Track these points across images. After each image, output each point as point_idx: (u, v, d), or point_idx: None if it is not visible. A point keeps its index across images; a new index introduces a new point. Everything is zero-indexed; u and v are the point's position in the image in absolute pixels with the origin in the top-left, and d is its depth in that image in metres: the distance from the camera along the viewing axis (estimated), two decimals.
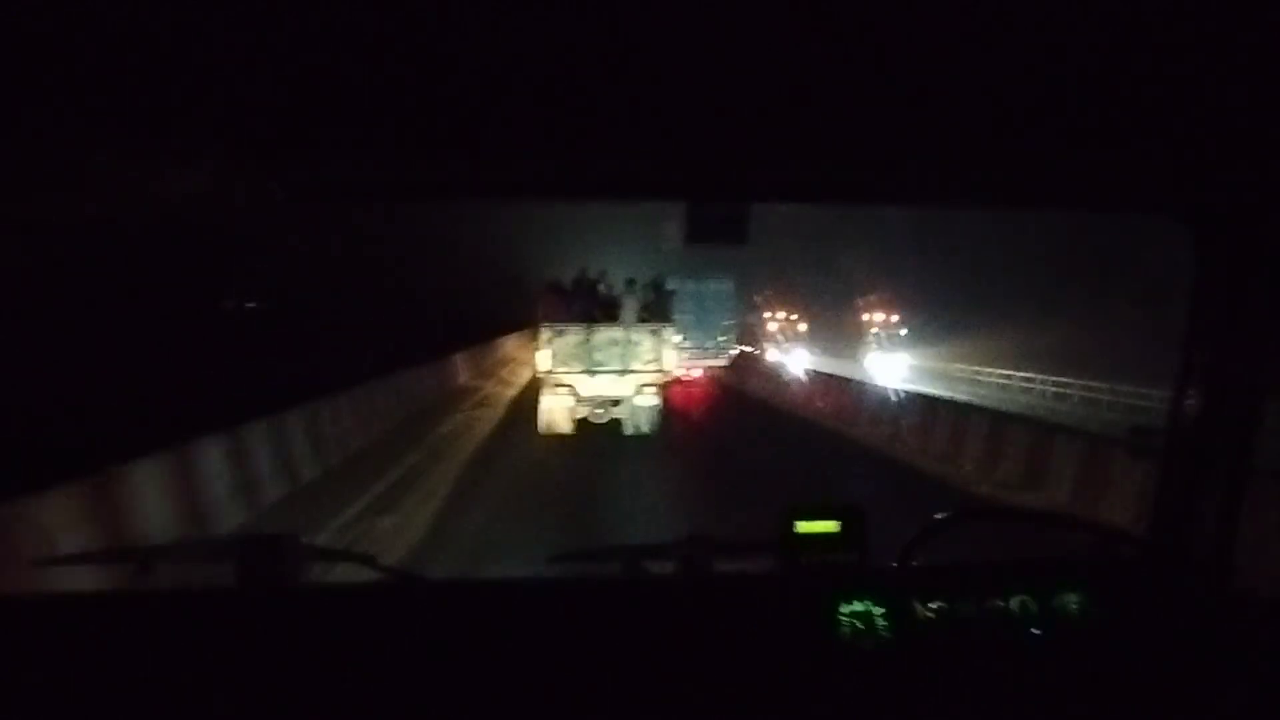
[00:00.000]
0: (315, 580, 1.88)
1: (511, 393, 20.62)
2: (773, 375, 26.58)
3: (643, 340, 14.72)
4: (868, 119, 1.38)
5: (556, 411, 14.13)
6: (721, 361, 28.00)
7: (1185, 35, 1.02)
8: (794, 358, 33.57)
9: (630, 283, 15.32)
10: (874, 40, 1.07)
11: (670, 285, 19.23)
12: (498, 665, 1.54)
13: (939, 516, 1.77)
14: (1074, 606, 1.68)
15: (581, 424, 14.14)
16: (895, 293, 41.45)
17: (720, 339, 28.77)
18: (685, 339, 26.27)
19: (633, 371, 14.46)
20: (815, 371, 26.13)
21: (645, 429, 14.14)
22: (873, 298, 41.90)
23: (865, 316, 41.71)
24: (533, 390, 15.31)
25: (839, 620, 1.63)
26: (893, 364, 34.87)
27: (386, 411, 14.06)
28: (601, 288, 15.47)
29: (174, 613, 1.62)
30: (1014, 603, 1.67)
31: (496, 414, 17.44)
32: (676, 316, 17.66)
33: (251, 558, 1.72)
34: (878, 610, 1.64)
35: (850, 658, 1.61)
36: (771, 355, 33.83)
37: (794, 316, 43.66)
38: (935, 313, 39.24)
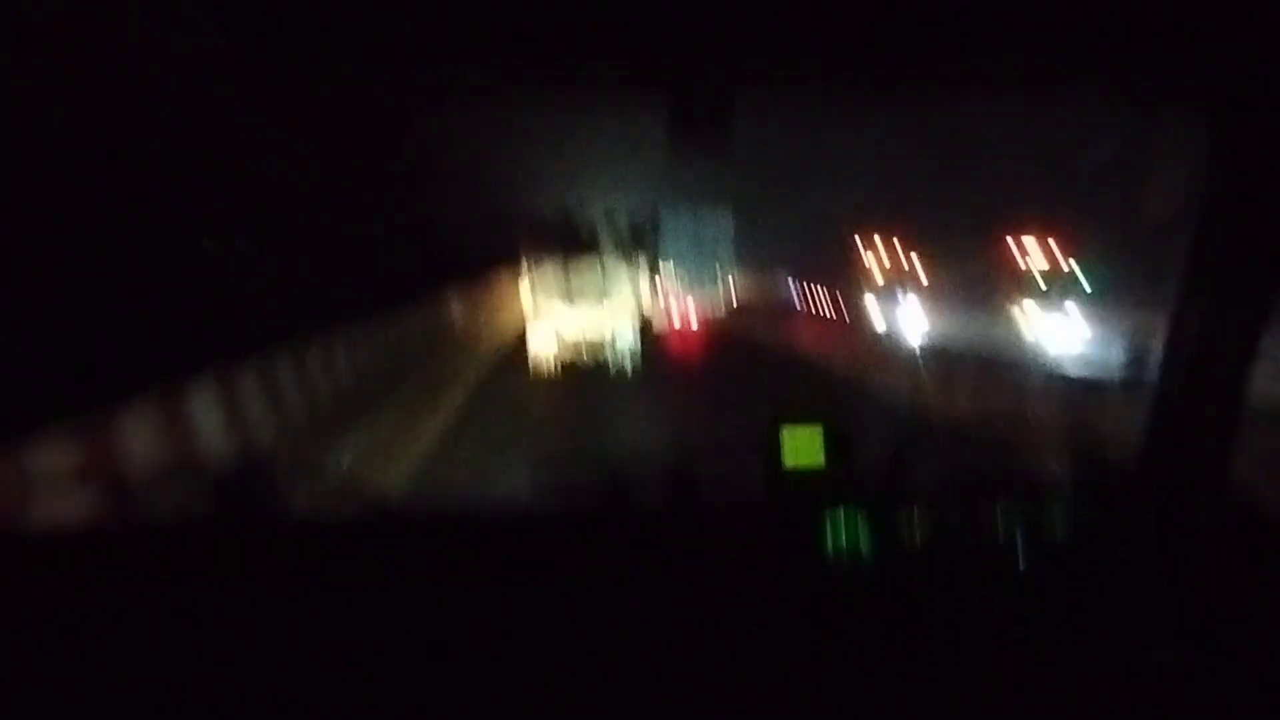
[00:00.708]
0: (294, 507, 1.83)
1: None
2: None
3: (619, 270, 15.21)
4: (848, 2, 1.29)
5: (541, 340, 14.83)
6: (719, 300, 26.63)
7: None
8: (904, 316, 24.77)
9: (608, 213, 15.67)
10: None
11: (665, 215, 18.91)
12: (484, 597, 1.52)
13: (921, 434, 1.72)
14: (1063, 523, 1.64)
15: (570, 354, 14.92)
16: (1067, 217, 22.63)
17: (721, 280, 27.13)
18: (677, 280, 25.55)
19: (610, 299, 15.12)
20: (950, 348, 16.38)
21: (629, 364, 14.85)
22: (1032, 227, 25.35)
23: (1021, 258, 26.02)
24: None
25: (824, 537, 1.60)
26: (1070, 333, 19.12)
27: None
28: (585, 218, 15.80)
29: (158, 545, 1.62)
30: (1001, 522, 1.63)
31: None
32: (670, 254, 18.59)
33: (228, 487, 1.68)
34: (863, 526, 1.61)
35: (835, 578, 1.58)
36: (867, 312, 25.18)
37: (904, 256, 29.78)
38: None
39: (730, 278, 27.53)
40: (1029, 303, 21.50)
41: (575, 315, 15.13)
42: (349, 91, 1.77)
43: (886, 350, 15.68)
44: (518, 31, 1.39)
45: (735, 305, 27.11)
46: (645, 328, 15.55)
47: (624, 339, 15.06)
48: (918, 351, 14.74)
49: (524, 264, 15.29)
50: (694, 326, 24.28)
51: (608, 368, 14.88)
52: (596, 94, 1.69)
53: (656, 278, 16.75)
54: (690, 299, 25.06)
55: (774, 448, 1.76)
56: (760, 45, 1.46)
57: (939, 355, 13.86)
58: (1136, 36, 1.44)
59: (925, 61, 1.57)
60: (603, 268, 15.18)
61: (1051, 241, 24.59)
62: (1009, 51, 1.53)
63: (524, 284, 15.31)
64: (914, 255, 29.92)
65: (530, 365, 14.72)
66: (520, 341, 15.55)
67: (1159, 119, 1.79)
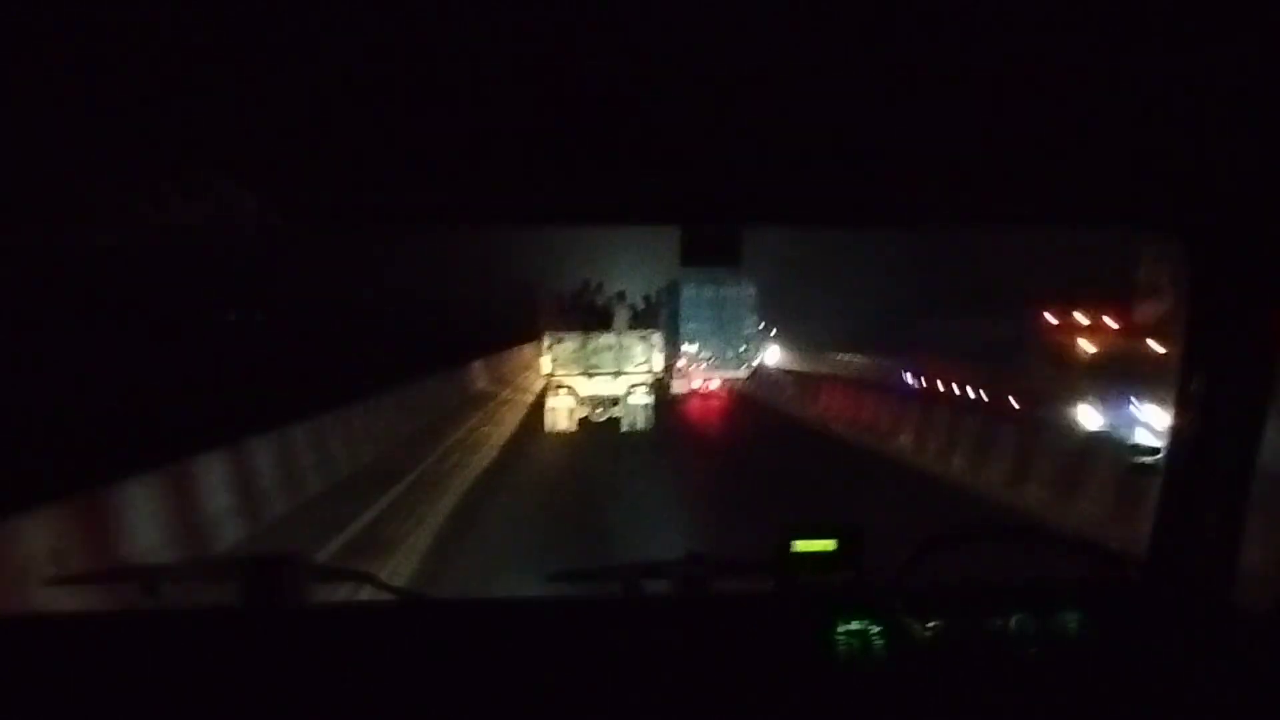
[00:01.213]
0: (319, 599, 1.90)
1: (528, 398, 21.18)
2: None
3: (633, 345, 17.44)
4: (859, 142, 1.41)
5: (560, 411, 16.43)
6: (742, 373, 26.25)
7: (1178, 48, 1.03)
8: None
9: (620, 295, 18.28)
10: (864, 64, 1.10)
11: (688, 290, 19.93)
12: (498, 685, 1.57)
13: (936, 534, 1.77)
14: (1072, 626, 1.69)
15: (583, 422, 16.46)
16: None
17: (741, 349, 26.66)
18: (700, 349, 25.56)
19: (625, 373, 17.08)
20: None
21: (641, 426, 16.54)
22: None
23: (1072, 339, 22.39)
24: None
25: (836, 640, 1.65)
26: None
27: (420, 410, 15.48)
28: (598, 300, 18.21)
29: (177, 632, 1.66)
30: (1012, 622, 1.68)
31: (517, 412, 19.15)
32: (691, 325, 21.39)
33: (255, 576, 1.75)
34: (875, 630, 1.66)
35: (847, 678, 1.63)
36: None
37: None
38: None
39: (752, 348, 27.19)
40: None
41: (591, 386, 16.95)
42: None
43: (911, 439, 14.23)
44: (540, 166, 1.50)
45: (757, 377, 26.93)
46: (661, 400, 17.31)
47: (637, 411, 16.78)
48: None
49: (545, 339, 17.33)
50: (713, 393, 24.20)
51: (619, 440, 15.88)
52: (610, 223, 1.82)
53: (672, 350, 18.98)
54: (709, 369, 25.03)
55: (786, 552, 1.81)
56: (765, 186, 1.58)
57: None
58: (1119, 174, 1.54)
59: (912, 203, 1.69)
60: (619, 343, 17.33)
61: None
62: (993, 192, 1.64)
63: (544, 358, 17.25)
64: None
65: (549, 425, 16.30)
66: (538, 411, 17.07)
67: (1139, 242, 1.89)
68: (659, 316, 18.75)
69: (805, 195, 1.66)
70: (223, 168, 1.45)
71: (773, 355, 34.00)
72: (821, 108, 1.27)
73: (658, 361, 17.65)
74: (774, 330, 36.58)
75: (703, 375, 24.85)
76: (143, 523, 6.59)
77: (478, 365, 23.12)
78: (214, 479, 8.04)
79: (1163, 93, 1.21)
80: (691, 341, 25.66)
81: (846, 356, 33.91)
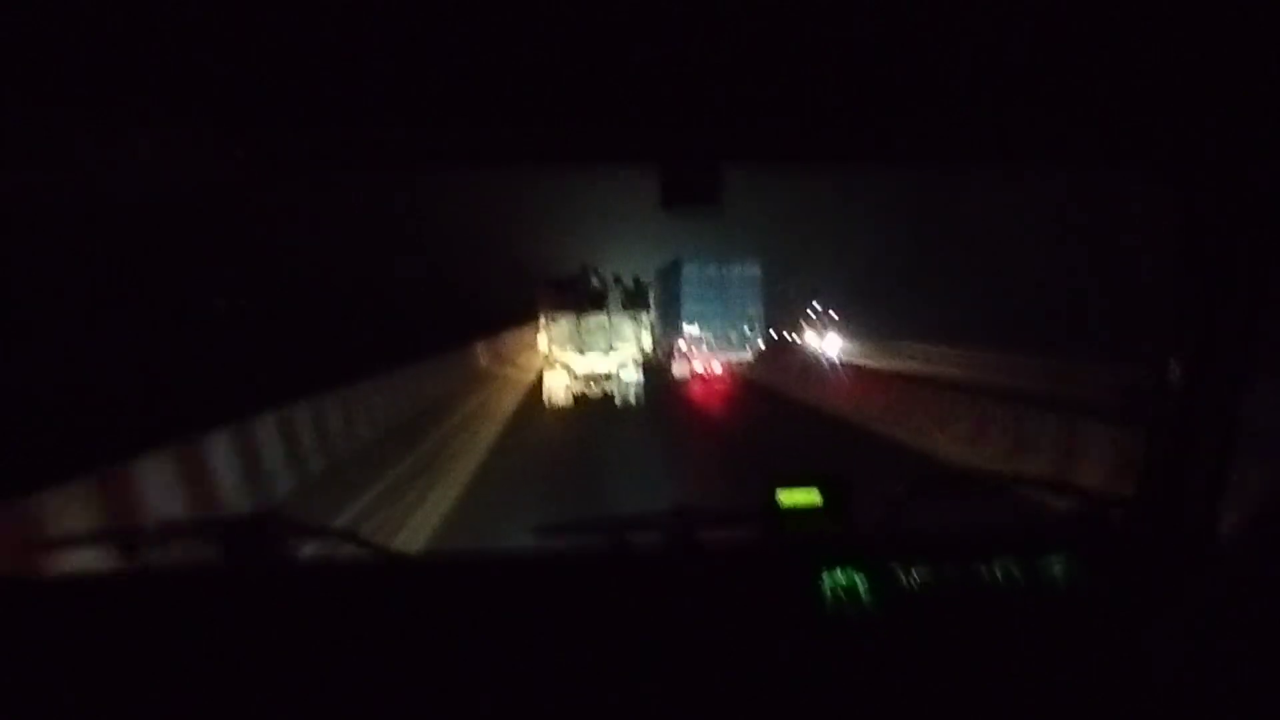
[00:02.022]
0: (301, 558, 1.89)
1: (529, 376, 22.42)
2: None
3: (624, 324, 19.06)
4: (842, 75, 1.39)
5: (556, 386, 18.22)
6: (747, 355, 25.66)
7: None
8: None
9: (616, 279, 19.87)
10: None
11: (689, 269, 20.50)
12: (483, 640, 1.57)
13: (920, 481, 1.76)
14: (1058, 569, 1.68)
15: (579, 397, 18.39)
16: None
17: (745, 330, 25.95)
18: (702, 330, 25.00)
19: (616, 349, 18.75)
20: None
21: (632, 400, 18.40)
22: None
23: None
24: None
25: (823, 588, 1.64)
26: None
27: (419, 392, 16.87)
28: (595, 281, 19.66)
29: (158, 592, 1.67)
30: (998, 568, 1.67)
31: (520, 387, 20.90)
32: (693, 305, 22.50)
33: (235, 536, 1.74)
34: (861, 578, 1.65)
35: (835, 625, 1.62)
36: None
37: None
38: None
39: (757, 330, 26.48)
40: None
41: (585, 363, 18.67)
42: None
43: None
44: (516, 104, 1.48)
45: (759, 356, 26.17)
46: (660, 385, 19.24)
47: (629, 386, 18.57)
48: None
49: (541, 319, 18.87)
50: (716, 377, 23.51)
51: (614, 411, 17.47)
52: (589, 164, 1.79)
53: (673, 332, 21.44)
54: (710, 351, 24.43)
55: (771, 505, 1.80)
56: (744, 122, 1.56)
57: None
58: (1110, 113, 1.51)
59: (896, 139, 1.66)
60: (611, 322, 18.95)
61: None
62: (984, 127, 1.61)
63: (541, 336, 18.90)
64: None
65: (546, 399, 18.00)
66: (536, 387, 18.73)
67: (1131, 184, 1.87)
68: (647, 298, 20.41)
69: (787, 131, 1.64)
70: (206, 111, 1.43)
71: (832, 344, 32.53)
72: (804, 39, 1.25)
73: (646, 339, 19.48)
74: (833, 315, 35.41)
75: (704, 358, 24.19)
76: (159, 496, 6.89)
77: (480, 345, 24.83)
78: (272, 434, 9.74)
79: (1157, 28, 1.18)
80: (692, 323, 25.14)
81: (933, 350, 29.65)
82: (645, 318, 19.60)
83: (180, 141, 1.53)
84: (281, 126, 1.56)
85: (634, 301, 19.62)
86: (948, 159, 1.93)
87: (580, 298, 19.12)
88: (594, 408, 17.45)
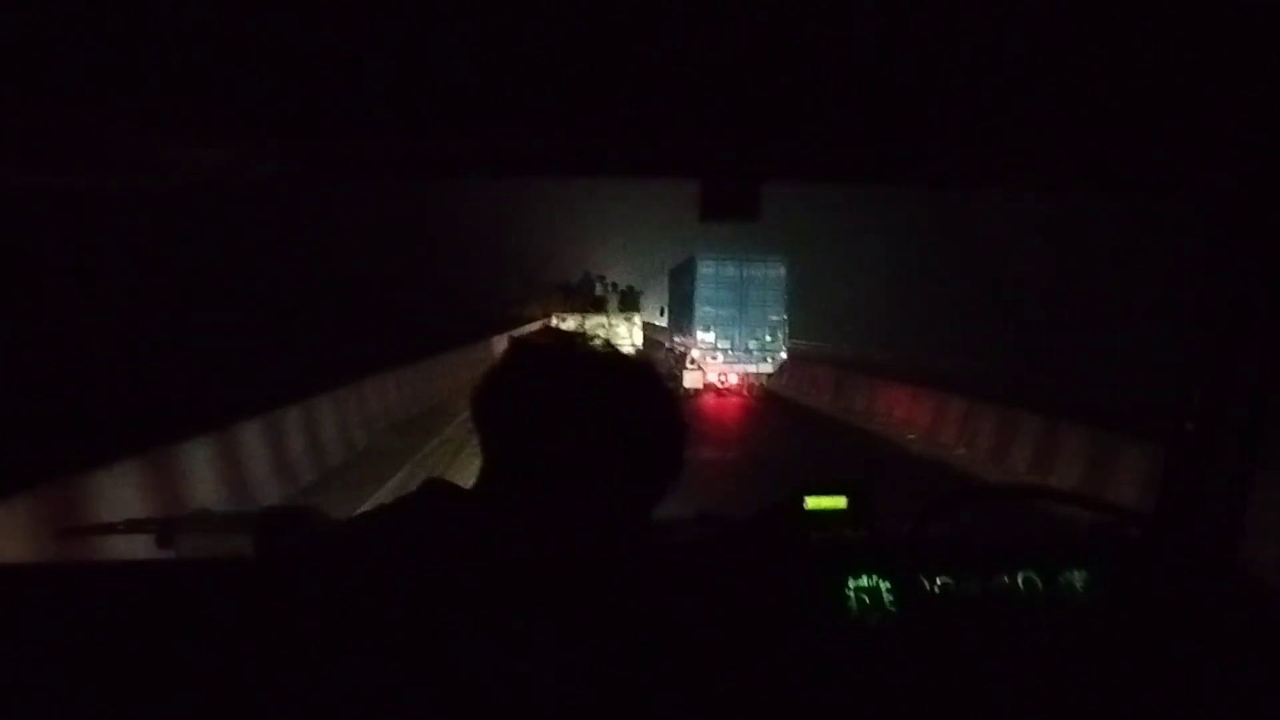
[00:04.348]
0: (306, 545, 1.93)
1: None
2: None
3: (619, 324, 25.05)
4: (879, 97, 1.43)
5: None
6: (768, 368, 22.71)
7: (1204, 13, 1.03)
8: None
9: (614, 285, 26.84)
10: (886, 16, 1.10)
11: (705, 268, 22.33)
12: (507, 636, 1.58)
13: (946, 494, 1.79)
14: (1078, 583, 1.73)
15: None
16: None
17: (767, 339, 22.67)
18: (718, 338, 22.58)
19: (613, 345, 21.26)
20: None
21: None
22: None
23: None
24: None
25: (847, 595, 1.67)
26: None
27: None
28: (598, 288, 26.22)
29: (189, 582, 1.71)
30: (1020, 579, 1.71)
31: None
32: (708, 309, 22.80)
33: (269, 528, 1.76)
34: (885, 585, 1.68)
35: (858, 632, 1.66)
36: None
37: None
38: None
39: (780, 339, 23.52)
40: None
41: None
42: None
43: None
44: (565, 117, 1.52)
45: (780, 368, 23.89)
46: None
47: None
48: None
49: (552, 319, 23.76)
50: (730, 389, 21.95)
51: None
52: (634, 176, 1.82)
53: (636, 324, 25.96)
54: (726, 361, 22.51)
55: (798, 510, 1.83)
56: (783, 140, 1.59)
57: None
58: (1137, 136, 1.55)
59: (931, 163, 1.69)
60: (609, 322, 24.54)
61: None
62: (1009, 152, 1.66)
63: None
64: None
65: None
66: None
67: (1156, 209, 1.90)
68: (638, 303, 26.40)
69: (824, 150, 1.69)
70: (241, 113, 1.46)
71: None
72: (840, 63, 1.29)
73: (638, 337, 25.33)
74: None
75: (719, 368, 22.19)
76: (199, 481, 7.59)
77: (496, 339, 28.11)
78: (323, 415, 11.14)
79: (1188, 56, 1.20)
80: (708, 329, 22.53)
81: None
82: (637, 319, 25.85)
83: (202, 147, 1.56)
84: (332, 133, 1.61)
85: (628, 305, 25.67)
86: (975, 180, 1.97)
87: (584, 301, 24.85)
88: None
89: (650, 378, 1.22)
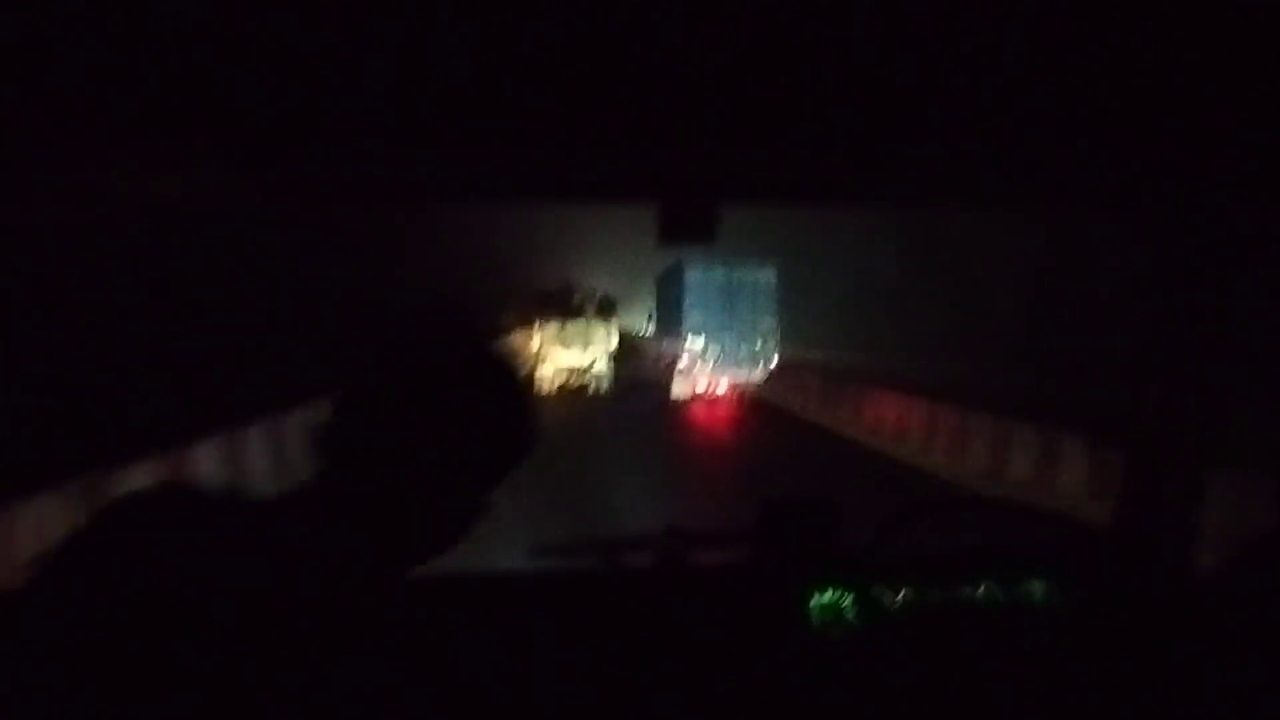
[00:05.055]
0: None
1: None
2: None
3: (597, 329, 25.99)
4: (837, 117, 1.43)
5: (545, 377, 24.70)
6: (756, 376, 22.50)
7: (1154, 34, 1.05)
8: None
9: (592, 293, 27.93)
10: (844, 39, 1.12)
11: (693, 274, 22.42)
12: (475, 659, 1.59)
13: (905, 507, 1.80)
14: (1039, 594, 1.73)
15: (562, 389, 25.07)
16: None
17: (757, 345, 22.37)
18: (707, 345, 22.22)
19: (591, 348, 25.64)
20: None
21: (604, 387, 25.01)
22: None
23: None
24: None
25: (809, 610, 1.68)
26: None
27: None
28: (576, 296, 27.25)
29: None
30: (980, 591, 1.72)
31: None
32: (696, 315, 22.80)
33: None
34: (847, 599, 1.69)
35: (821, 646, 1.67)
36: None
37: None
38: None
39: (770, 345, 23.23)
40: None
41: (567, 358, 25.15)
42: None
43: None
44: (517, 139, 1.52)
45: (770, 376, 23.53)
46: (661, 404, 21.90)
47: (599, 377, 25.21)
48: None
49: (535, 323, 25.50)
50: (720, 398, 21.50)
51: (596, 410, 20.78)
52: (588, 200, 1.83)
53: (613, 329, 26.65)
54: (715, 369, 22.18)
55: (761, 525, 1.84)
56: (742, 161, 1.60)
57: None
58: (1094, 157, 1.57)
59: (887, 183, 1.70)
60: (588, 326, 25.55)
61: None
62: (965, 171, 1.68)
63: (534, 337, 25.41)
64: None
65: (537, 385, 23.29)
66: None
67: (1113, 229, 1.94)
68: (615, 310, 27.22)
69: (783, 171, 1.70)
70: (201, 140, 1.45)
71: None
72: (800, 82, 1.30)
73: (613, 341, 26.53)
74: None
75: (708, 377, 21.86)
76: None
77: None
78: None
79: (1138, 77, 1.22)
80: (696, 335, 22.24)
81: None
82: (614, 324, 27.14)
83: (190, 169, 1.56)
84: (272, 159, 1.59)
85: (604, 313, 26.78)
86: (935, 199, 1.99)
87: (565, 307, 26.12)
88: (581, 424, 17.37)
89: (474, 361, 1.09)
